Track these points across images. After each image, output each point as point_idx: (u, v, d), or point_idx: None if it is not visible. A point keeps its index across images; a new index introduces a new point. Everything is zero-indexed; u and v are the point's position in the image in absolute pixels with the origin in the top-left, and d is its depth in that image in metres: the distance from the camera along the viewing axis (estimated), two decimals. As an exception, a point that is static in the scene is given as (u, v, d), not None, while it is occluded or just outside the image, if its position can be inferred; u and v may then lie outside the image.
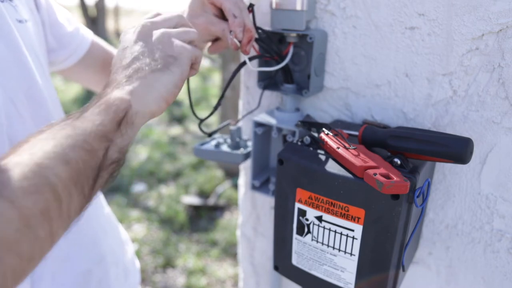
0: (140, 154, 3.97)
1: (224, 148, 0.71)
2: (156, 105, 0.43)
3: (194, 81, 6.36)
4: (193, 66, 0.49)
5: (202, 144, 0.71)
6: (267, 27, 0.64)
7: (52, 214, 0.32)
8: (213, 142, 0.72)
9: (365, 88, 0.64)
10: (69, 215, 0.34)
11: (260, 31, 0.61)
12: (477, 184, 0.58)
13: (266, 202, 0.83)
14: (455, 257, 0.63)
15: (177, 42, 0.47)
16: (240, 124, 0.73)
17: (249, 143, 0.72)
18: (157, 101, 0.43)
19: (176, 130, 4.72)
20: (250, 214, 0.88)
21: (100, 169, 0.37)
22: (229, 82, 0.59)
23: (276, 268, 0.63)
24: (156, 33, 0.47)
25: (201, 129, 0.66)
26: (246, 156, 0.69)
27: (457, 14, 0.53)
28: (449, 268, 0.64)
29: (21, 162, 0.32)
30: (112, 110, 0.39)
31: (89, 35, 0.76)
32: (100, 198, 0.77)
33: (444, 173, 0.60)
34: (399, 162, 0.49)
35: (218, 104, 0.62)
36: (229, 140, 0.72)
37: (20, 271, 0.30)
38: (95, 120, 0.38)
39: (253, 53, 0.66)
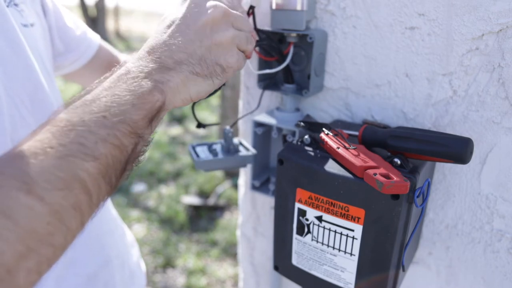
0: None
1: (225, 154, 0.66)
2: (183, 102, 0.43)
3: (194, 81, 6.34)
4: None
5: (196, 149, 0.66)
6: (267, 27, 0.64)
7: (83, 207, 0.33)
8: (207, 152, 0.65)
9: (365, 88, 0.64)
10: (98, 204, 0.35)
11: (260, 33, 0.61)
12: (477, 184, 0.58)
13: (266, 202, 0.83)
14: (455, 257, 0.63)
15: (235, 52, 0.45)
16: (239, 123, 0.73)
17: (241, 147, 0.68)
18: (185, 100, 0.43)
19: (176, 130, 4.72)
20: (250, 214, 0.88)
21: (127, 162, 0.37)
22: None
23: (276, 268, 0.63)
24: (225, 30, 0.44)
25: (201, 125, 0.65)
26: (255, 157, 0.67)
27: (457, 14, 0.53)
28: (449, 268, 0.64)
29: (49, 155, 0.32)
30: (147, 107, 0.38)
31: (97, 39, 0.76)
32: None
33: (444, 173, 0.60)
34: (399, 162, 0.49)
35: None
36: (218, 147, 0.67)
37: (54, 259, 0.32)
38: (126, 115, 0.36)
39: (253, 55, 0.66)
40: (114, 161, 0.35)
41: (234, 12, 0.47)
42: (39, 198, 0.30)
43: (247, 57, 0.51)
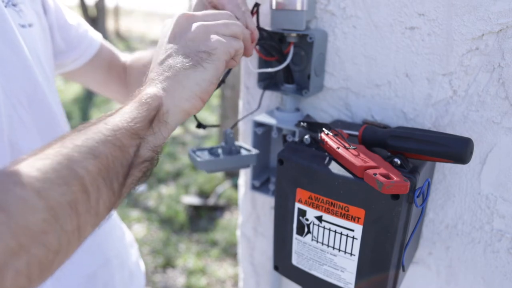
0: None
1: (224, 155, 0.65)
2: (189, 103, 0.42)
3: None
4: (234, 58, 0.48)
5: (196, 153, 0.65)
6: (267, 27, 0.64)
7: (80, 207, 0.32)
8: (208, 155, 0.65)
9: (365, 88, 0.64)
10: (98, 210, 0.34)
11: (263, 32, 0.61)
12: (477, 184, 0.58)
13: (266, 202, 0.83)
14: (455, 257, 0.63)
15: (213, 36, 0.45)
16: (239, 123, 0.73)
17: (242, 149, 0.67)
18: (190, 99, 0.42)
19: (176, 130, 4.72)
20: (250, 214, 0.88)
21: (131, 166, 0.37)
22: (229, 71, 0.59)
23: (276, 268, 0.63)
24: (192, 27, 0.46)
25: (201, 126, 0.65)
26: (257, 157, 0.66)
27: (457, 14, 0.53)
28: (449, 268, 0.64)
29: (49, 153, 0.32)
30: (145, 108, 0.39)
31: (98, 38, 0.76)
32: None
33: (444, 173, 0.60)
34: (399, 162, 0.49)
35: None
36: (219, 150, 0.66)
37: (46, 264, 0.30)
38: (127, 118, 0.37)
39: (254, 54, 0.66)
40: (115, 162, 0.35)
41: (199, 12, 0.48)
42: (35, 191, 0.29)
43: (245, 42, 0.51)
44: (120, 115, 0.38)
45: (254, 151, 0.65)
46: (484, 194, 0.58)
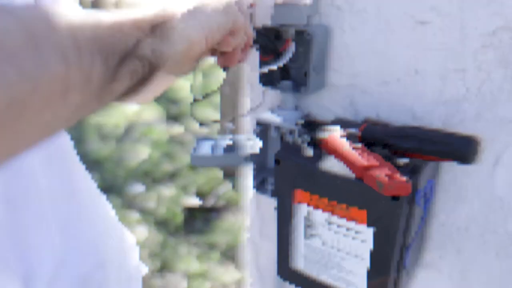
0: (139, 153, 3.96)
1: (222, 151, 0.67)
2: (195, 33, 0.40)
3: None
4: (236, 32, 0.46)
5: (197, 149, 0.67)
6: (267, 21, 0.62)
7: (69, 57, 0.28)
8: (207, 147, 0.67)
9: (373, 86, 0.62)
10: (90, 77, 0.30)
11: (256, 31, 0.60)
12: (490, 185, 0.56)
13: (272, 205, 0.81)
14: (467, 261, 0.61)
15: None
16: (240, 122, 0.71)
17: (247, 143, 0.68)
18: (195, 29, 0.40)
19: (175, 129, 4.71)
20: (255, 217, 0.86)
21: (127, 54, 0.34)
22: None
23: (279, 273, 0.61)
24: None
25: (203, 124, 0.64)
26: (252, 156, 0.66)
27: (470, 8, 0.51)
28: (461, 272, 0.62)
29: None
30: (147, 12, 0.37)
31: None
32: (102, 200, 0.75)
33: (456, 173, 0.59)
34: (400, 162, 0.48)
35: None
36: (222, 142, 0.68)
37: (18, 94, 0.24)
38: (131, 13, 0.35)
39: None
40: (112, 40, 0.32)
41: None
42: (13, 15, 0.25)
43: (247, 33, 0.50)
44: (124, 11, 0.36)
45: (249, 150, 0.65)
46: (498, 195, 0.56)
